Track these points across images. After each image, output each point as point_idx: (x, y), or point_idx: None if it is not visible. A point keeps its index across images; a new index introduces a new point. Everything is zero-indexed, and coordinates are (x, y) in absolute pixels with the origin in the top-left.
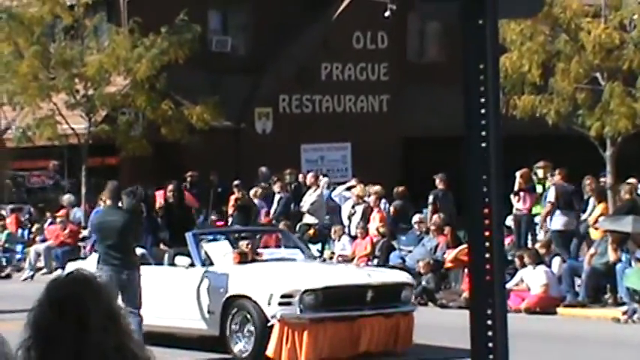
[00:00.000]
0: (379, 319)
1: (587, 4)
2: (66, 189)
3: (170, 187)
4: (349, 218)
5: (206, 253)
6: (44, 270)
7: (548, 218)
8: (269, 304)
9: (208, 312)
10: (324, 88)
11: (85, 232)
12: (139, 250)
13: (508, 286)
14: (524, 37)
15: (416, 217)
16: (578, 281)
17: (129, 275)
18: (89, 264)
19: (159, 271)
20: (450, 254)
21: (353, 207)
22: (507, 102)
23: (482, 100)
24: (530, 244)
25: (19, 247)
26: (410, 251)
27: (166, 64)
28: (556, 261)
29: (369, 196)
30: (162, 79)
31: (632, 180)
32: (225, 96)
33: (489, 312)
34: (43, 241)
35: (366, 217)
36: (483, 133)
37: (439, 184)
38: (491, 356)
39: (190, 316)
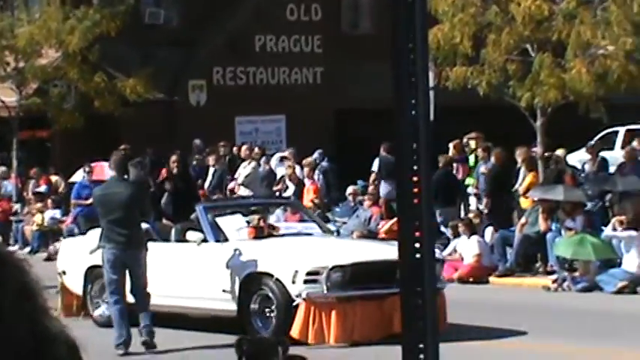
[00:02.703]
0: None
1: None
2: None
3: (173, 157)
4: (279, 192)
5: (218, 227)
6: None
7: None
8: (293, 282)
9: (224, 291)
10: (257, 60)
11: (16, 207)
12: (143, 225)
13: (441, 255)
14: (456, 9)
15: (350, 189)
16: (509, 250)
17: (135, 253)
18: (87, 240)
19: (167, 248)
20: (385, 226)
21: (282, 178)
22: (439, 73)
23: (411, 68)
24: (462, 214)
25: None
26: (344, 223)
27: (99, 36)
28: (488, 231)
29: (303, 168)
30: (95, 51)
31: (560, 150)
32: (159, 68)
33: (419, 277)
34: None
35: (298, 191)
36: (412, 102)
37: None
38: (421, 322)
39: (204, 295)
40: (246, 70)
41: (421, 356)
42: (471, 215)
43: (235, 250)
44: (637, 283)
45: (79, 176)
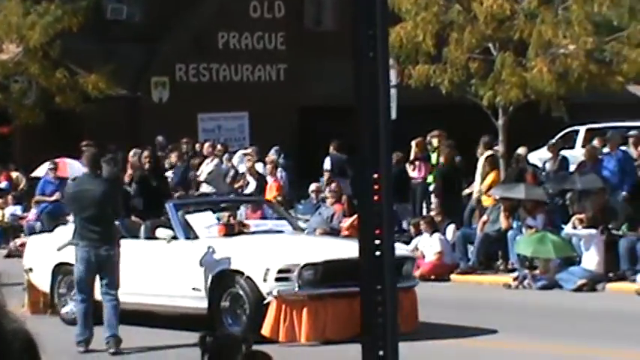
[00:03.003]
0: None
1: None
2: None
3: (145, 153)
4: (240, 188)
5: (188, 224)
6: None
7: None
8: (265, 279)
9: (194, 288)
10: (220, 57)
11: None
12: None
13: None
14: (419, 7)
15: (313, 186)
16: (471, 248)
17: (108, 251)
18: (54, 238)
19: (136, 245)
20: (346, 222)
21: (242, 175)
22: (402, 72)
23: (372, 67)
24: (425, 212)
25: None
26: (307, 220)
27: (60, 31)
28: (450, 229)
29: (265, 165)
30: (57, 46)
31: (522, 149)
32: (121, 65)
33: (379, 274)
34: None
35: (261, 187)
36: (373, 100)
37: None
38: (381, 320)
39: (174, 292)
40: (209, 67)
41: (380, 353)
42: (432, 213)
43: (206, 247)
44: (596, 280)
45: (40, 172)
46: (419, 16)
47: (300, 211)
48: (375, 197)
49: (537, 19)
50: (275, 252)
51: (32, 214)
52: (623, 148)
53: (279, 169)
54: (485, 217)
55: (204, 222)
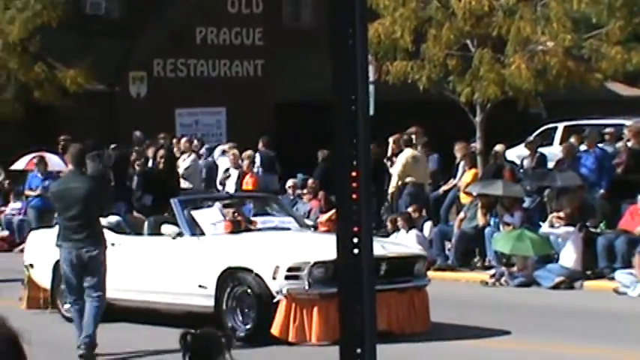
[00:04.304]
0: (394, 294)
1: None
2: None
3: (161, 152)
4: (222, 183)
5: (194, 220)
6: None
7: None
8: (274, 277)
9: (200, 286)
10: (198, 53)
11: None
12: (114, 218)
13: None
14: (397, 3)
15: (289, 182)
16: (448, 245)
17: (92, 251)
18: (55, 233)
19: (141, 241)
20: (323, 217)
21: (227, 170)
22: (380, 68)
23: (351, 63)
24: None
25: None
26: None
27: (39, 26)
28: (427, 225)
29: (243, 160)
30: (36, 41)
31: (499, 146)
32: (100, 59)
33: (358, 273)
34: None
35: (239, 182)
36: (352, 97)
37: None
38: (358, 318)
39: (180, 290)
40: (187, 62)
41: (358, 351)
42: (410, 209)
43: (212, 244)
44: (574, 278)
45: (19, 165)
46: (397, 12)
47: None
48: (354, 195)
49: (516, 16)
50: (284, 249)
51: (10, 208)
52: (600, 145)
53: (256, 165)
54: (462, 214)
55: (210, 218)
